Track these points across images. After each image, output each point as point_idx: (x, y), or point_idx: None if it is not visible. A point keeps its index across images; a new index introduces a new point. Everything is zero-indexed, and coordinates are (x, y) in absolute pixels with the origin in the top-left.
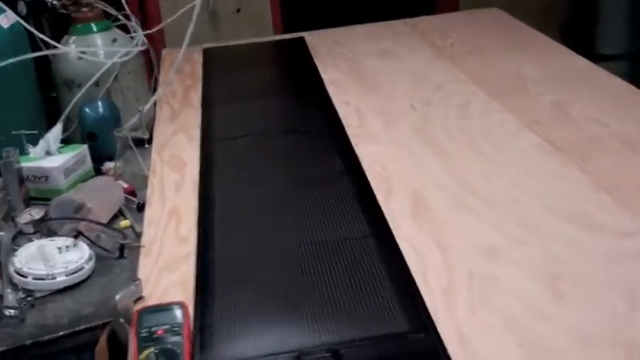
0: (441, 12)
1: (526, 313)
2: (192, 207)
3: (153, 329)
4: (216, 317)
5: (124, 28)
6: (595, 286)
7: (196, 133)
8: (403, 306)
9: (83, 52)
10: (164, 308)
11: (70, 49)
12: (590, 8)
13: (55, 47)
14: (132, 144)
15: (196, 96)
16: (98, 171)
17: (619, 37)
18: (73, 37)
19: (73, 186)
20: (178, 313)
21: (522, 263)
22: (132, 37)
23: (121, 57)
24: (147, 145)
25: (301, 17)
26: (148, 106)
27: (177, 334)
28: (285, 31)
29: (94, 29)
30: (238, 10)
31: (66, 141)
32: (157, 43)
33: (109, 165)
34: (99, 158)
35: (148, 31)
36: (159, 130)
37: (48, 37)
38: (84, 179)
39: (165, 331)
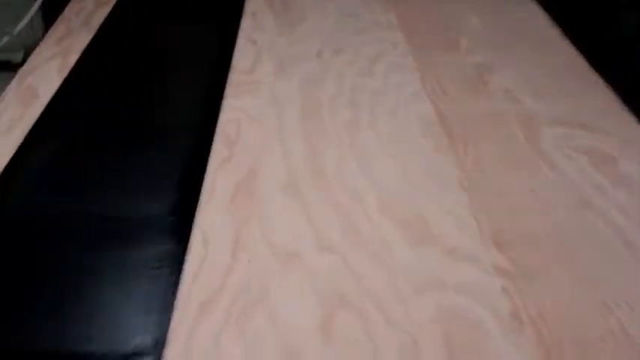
0: None
1: (275, 350)
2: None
3: None
4: None
5: None
6: (374, 323)
7: (74, 59)
8: (147, 320)
9: None
10: None
11: None
12: None
13: None
14: None
15: (103, 16)
16: None
17: None
18: None
19: None
20: None
21: (311, 279)
22: None
23: None
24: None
25: None
26: (19, 27)
27: None
28: None
29: None
30: None
31: None
32: None
33: None
34: None
35: None
36: (37, 53)
37: None
38: None
39: None
